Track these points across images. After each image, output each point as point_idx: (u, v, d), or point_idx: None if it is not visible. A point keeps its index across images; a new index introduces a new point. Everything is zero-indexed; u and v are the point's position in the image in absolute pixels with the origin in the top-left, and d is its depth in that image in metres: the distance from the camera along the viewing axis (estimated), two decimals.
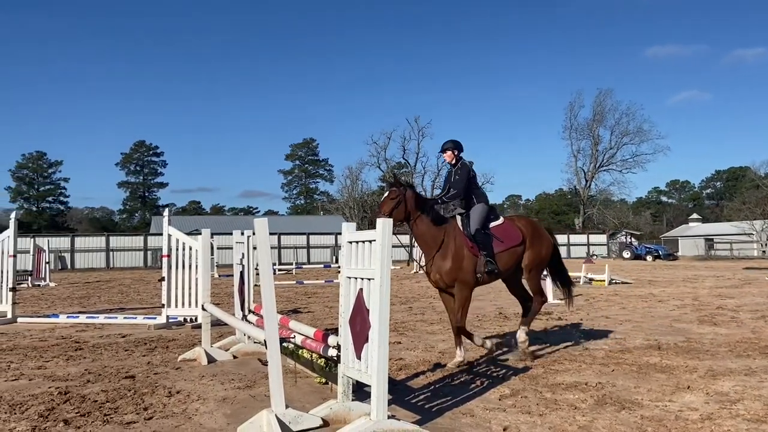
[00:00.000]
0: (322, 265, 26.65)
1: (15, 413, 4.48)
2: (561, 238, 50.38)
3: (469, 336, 6.28)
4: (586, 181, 67.59)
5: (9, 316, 10.17)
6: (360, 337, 4.00)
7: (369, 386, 3.97)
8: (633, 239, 49.87)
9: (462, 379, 5.55)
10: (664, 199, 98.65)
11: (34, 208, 74.76)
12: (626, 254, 44.88)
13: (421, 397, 4.94)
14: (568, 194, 77.28)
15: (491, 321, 9.60)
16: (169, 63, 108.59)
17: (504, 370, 5.89)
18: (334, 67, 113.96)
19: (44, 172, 77.90)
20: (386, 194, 6.06)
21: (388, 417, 3.78)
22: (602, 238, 53.75)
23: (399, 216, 5.93)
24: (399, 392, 4.99)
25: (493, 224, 6.35)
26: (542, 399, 4.86)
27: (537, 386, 5.26)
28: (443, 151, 6.54)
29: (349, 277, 4.26)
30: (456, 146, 6.49)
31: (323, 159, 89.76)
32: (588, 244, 51.31)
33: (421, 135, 63.71)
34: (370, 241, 4.00)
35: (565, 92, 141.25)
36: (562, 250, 48.22)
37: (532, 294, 6.76)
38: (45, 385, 5.44)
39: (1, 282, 10.44)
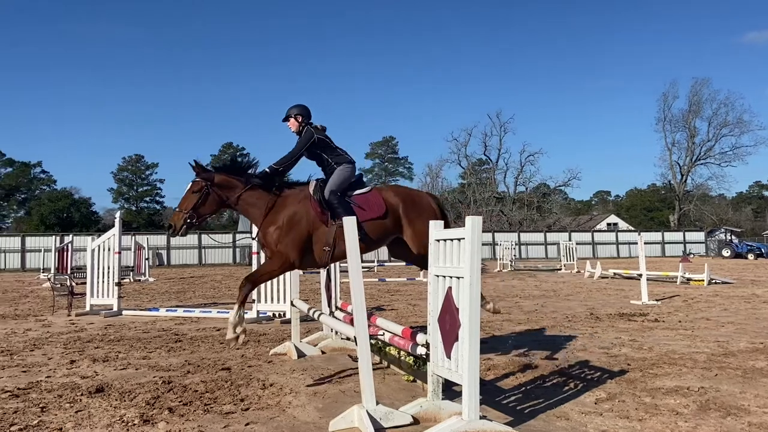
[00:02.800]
0: (404, 263, 26.75)
1: (125, 400, 4.77)
2: (655, 236, 48.23)
3: (241, 303, 5.31)
4: (682, 175, 64.31)
5: (115, 308, 10.89)
6: (449, 336, 3.97)
7: (458, 385, 3.93)
8: (733, 236, 46.92)
9: (554, 381, 5.40)
10: (766, 193, 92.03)
11: (134, 208, 79.39)
12: (726, 252, 42.27)
13: (512, 398, 4.85)
14: (661, 190, 73.75)
15: (582, 322, 9.29)
16: (250, 65, 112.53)
17: (599, 373, 5.68)
18: (414, 65, 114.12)
19: (142, 173, 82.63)
20: (188, 187, 5.31)
21: (480, 417, 3.74)
22: (700, 235, 50.90)
23: (210, 208, 5.29)
24: (488, 392, 4.92)
25: (357, 192, 5.62)
26: (641, 403, 4.65)
27: (635, 390, 5.03)
28: (286, 119, 5.82)
29: (438, 276, 4.23)
30: (301, 112, 5.77)
31: (403, 157, 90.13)
32: (684, 242, 48.74)
33: (503, 130, 62.85)
34: (459, 239, 3.96)
35: (656, 82, 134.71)
36: (656, 249, 46.29)
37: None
38: (150, 374, 5.77)
39: (108, 277, 11.20)
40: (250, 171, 5.52)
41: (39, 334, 8.54)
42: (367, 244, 5.51)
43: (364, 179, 6.20)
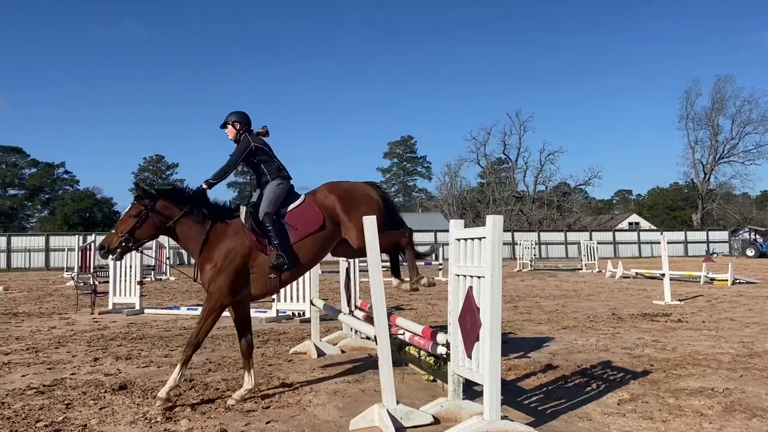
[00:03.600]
0: (422, 263, 26.72)
1: (147, 398, 4.83)
2: (677, 236, 47.56)
3: (183, 364, 4.74)
4: (705, 174, 63.34)
5: (137, 307, 11.02)
6: (470, 336, 3.95)
7: (479, 385, 3.92)
8: (757, 236, 46.03)
9: (576, 382, 5.35)
10: None
11: None
12: (750, 252, 41.52)
13: (533, 398, 4.81)
14: (684, 188, 72.71)
15: (604, 322, 9.19)
16: (268, 64, 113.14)
17: (621, 374, 5.61)
18: (432, 63, 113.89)
19: (162, 174, 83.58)
20: (127, 209, 5.04)
21: (501, 417, 3.71)
22: (723, 234, 50.08)
23: (147, 232, 4.93)
24: (509, 393, 4.89)
25: (290, 207, 5.16)
26: (665, 405, 4.58)
27: (658, 391, 4.97)
28: (224, 125, 5.45)
29: (458, 275, 4.21)
30: (239, 119, 5.41)
31: (421, 156, 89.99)
32: (707, 242, 47.98)
33: (522, 129, 62.42)
34: (480, 238, 3.94)
35: (679, 80, 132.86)
36: (678, 248, 45.64)
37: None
38: (171, 372, 5.82)
39: (130, 276, 11.34)
40: (189, 195, 5.13)
41: (63, 332, 8.68)
42: (308, 261, 5.16)
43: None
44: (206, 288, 4.87)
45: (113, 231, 4.98)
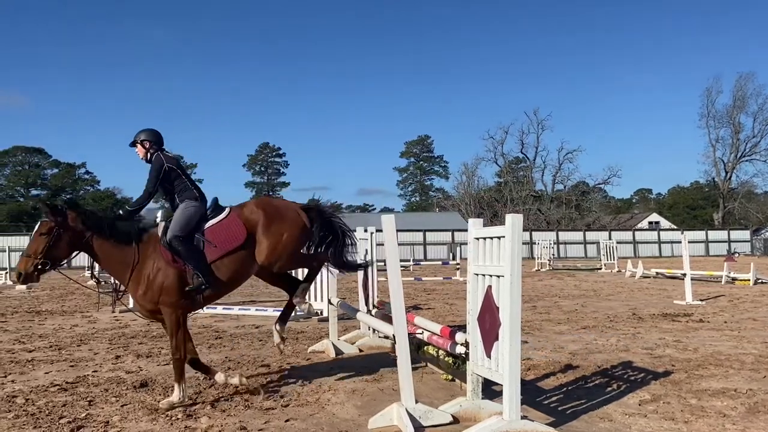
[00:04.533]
0: (440, 262, 26.66)
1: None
2: (698, 235, 46.92)
3: (206, 370, 5.02)
4: (726, 172, 62.45)
5: None
6: (489, 335, 3.94)
7: (497, 385, 3.90)
8: None
9: (596, 382, 5.30)
10: None
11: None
12: None
13: (553, 398, 4.78)
14: (705, 187, 71.75)
15: (624, 322, 9.10)
16: (285, 64, 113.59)
17: (643, 374, 5.56)
18: (448, 62, 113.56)
19: None
20: (36, 228, 4.72)
21: (521, 417, 3.69)
22: (745, 234, 49.31)
23: (63, 251, 4.69)
24: (529, 393, 4.86)
25: (210, 223, 4.97)
26: (687, 405, 4.53)
27: (680, 392, 4.91)
28: (133, 144, 5.19)
29: (477, 274, 4.20)
30: (149, 138, 5.13)
31: (438, 155, 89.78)
32: (729, 241, 47.28)
33: (540, 128, 62.02)
34: (499, 237, 3.92)
35: (699, 77, 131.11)
36: (699, 248, 45.03)
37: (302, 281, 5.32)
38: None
39: None
40: (104, 214, 5.04)
41: (85, 330, 8.80)
42: (231, 280, 4.97)
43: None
44: (154, 303, 4.76)
45: (24, 255, 4.65)
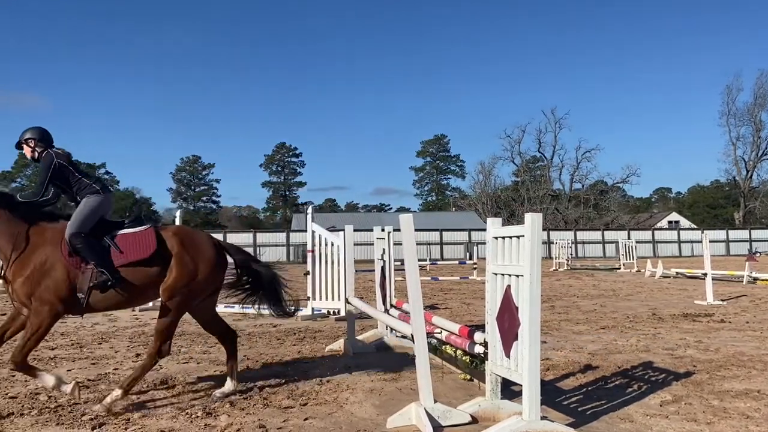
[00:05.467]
0: (456, 262, 26.60)
1: (187, 393, 4.92)
2: (719, 234, 46.31)
3: (33, 373, 4.61)
4: (747, 171, 61.59)
5: None
6: (508, 335, 3.92)
7: (516, 385, 3.88)
8: None
9: (617, 383, 5.25)
10: None
11: (191, 207, 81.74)
12: None
13: (573, 399, 4.74)
14: (725, 186, 70.78)
15: (644, 322, 9.00)
16: (300, 65, 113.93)
17: (663, 375, 5.49)
18: (464, 61, 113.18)
19: (199, 174, 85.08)
20: None
21: (541, 418, 3.67)
22: (766, 233, 48.59)
23: None
24: (548, 393, 4.82)
25: (123, 231, 4.76)
26: (709, 407, 4.47)
27: (702, 393, 4.85)
28: (18, 146, 4.98)
29: (496, 273, 4.17)
30: (35, 136, 4.92)
31: (454, 155, 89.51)
32: (750, 240, 46.60)
33: (558, 127, 61.64)
34: (518, 237, 3.90)
35: (719, 75, 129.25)
36: (720, 247, 44.42)
37: (156, 334, 4.79)
38: (211, 368, 5.93)
39: None
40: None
41: (106, 328, 8.90)
42: (128, 293, 4.67)
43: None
44: (26, 303, 4.50)
45: None
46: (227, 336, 5.21)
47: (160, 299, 4.77)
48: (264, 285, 5.31)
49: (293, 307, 5.67)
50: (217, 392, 4.84)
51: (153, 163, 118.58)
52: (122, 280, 4.57)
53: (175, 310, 4.73)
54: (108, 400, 4.44)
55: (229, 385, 4.93)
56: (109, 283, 4.51)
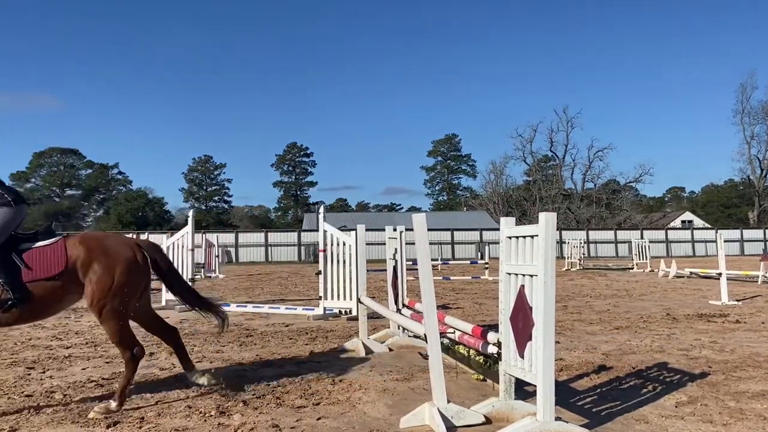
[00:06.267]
0: (468, 261, 26.54)
1: (200, 392, 4.93)
2: (733, 234, 45.86)
3: None
4: (762, 170, 60.95)
5: None
6: (522, 335, 3.89)
7: (530, 385, 3.85)
8: None
9: (631, 383, 5.20)
10: None
11: (203, 207, 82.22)
12: None
13: (587, 399, 4.71)
14: (740, 185, 70.11)
15: (658, 323, 8.93)
16: (310, 65, 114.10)
17: (678, 376, 5.44)
18: (474, 59, 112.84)
19: (211, 174, 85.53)
20: None
21: (555, 418, 3.65)
22: None
23: None
24: (562, 393, 4.78)
25: (33, 245, 4.46)
26: (725, 408, 4.42)
27: (718, 394, 4.80)
28: None
29: (509, 273, 4.15)
30: None
31: (466, 154, 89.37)
32: (765, 240, 46.16)
33: (570, 126, 61.33)
34: (532, 236, 3.88)
35: (734, 73, 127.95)
36: (734, 247, 43.98)
37: (117, 346, 4.67)
38: (224, 367, 5.95)
39: (182, 273, 11.62)
40: None
41: None
42: (34, 309, 4.41)
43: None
44: None
45: None
46: (169, 334, 5.09)
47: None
48: (175, 289, 5.15)
49: (219, 308, 5.42)
50: (193, 377, 4.87)
51: (165, 163, 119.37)
52: (27, 298, 4.32)
53: (114, 318, 4.52)
54: (100, 408, 4.37)
55: (202, 379, 4.89)
56: (10, 303, 4.27)
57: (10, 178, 74.33)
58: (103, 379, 5.51)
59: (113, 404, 4.43)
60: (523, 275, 3.94)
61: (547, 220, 3.71)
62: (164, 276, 5.02)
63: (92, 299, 4.45)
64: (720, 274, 12.02)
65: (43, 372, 5.86)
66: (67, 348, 7.20)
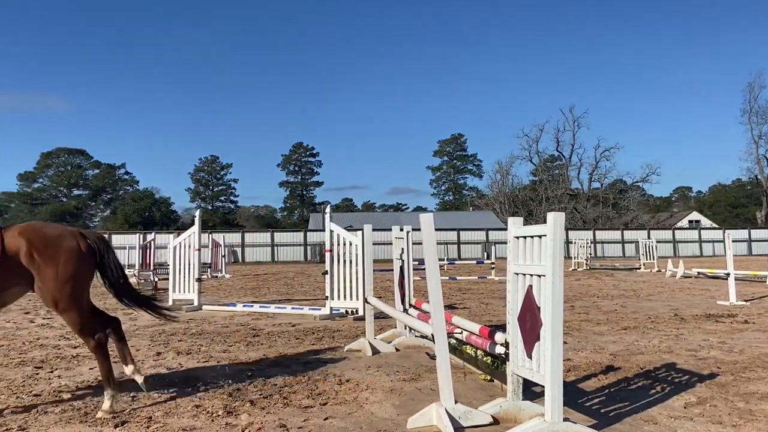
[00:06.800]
0: (474, 261, 26.49)
1: (208, 391, 4.94)
2: (741, 234, 45.60)
3: None
4: None
5: (195, 303, 11.32)
6: (530, 336, 3.88)
7: (537, 386, 3.83)
8: None
9: (640, 384, 5.18)
10: None
11: (209, 207, 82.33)
12: None
13: (595, 400, 4.69)
14: (747, 185, 69.74)
15: (666, 323, 8.89)
16: (320, 67, 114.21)
17: (687, 376, 5.41)
18: (481, 59, 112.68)
19: (217, 174, 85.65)
20: None
21: (563, 419, 3.63)
22: None
23: None
24: (569, 394, 4.75)
25: None
26: (734, 409, 4.39)
27: (727, 395, 4.76)
28: None
29: (517, 273, 4.14)
30: None
31: (472, 154, 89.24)
32: None
33: (576, 125, 61.15)
34: (540, 236, 3.86)
35: (741, 72, 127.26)
36: (742, 247, 43.72)
37: (79, 336, 4.65)
38: (231, 367, 5.95)
39: (189, 273, 11.66)
40: None
41: (127, 327, 8.95)
42: None
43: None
44: None
45: None
46: (113, 325, 4.97)
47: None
48: (113, 282, 5.02)
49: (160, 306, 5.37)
50: (126, 370, 4.80)
51: (172, 164, 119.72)
52: None
53: (69, 309, 4.46)
54: (106, 405, 4.40)
55: (129, 370, 4.80)
56: None
57: (18, 178, 74.81)
58: None
59: (106, 397, 4.44)
60: (531, 275, 3.92)
61: (555, 220, 3.69)
62: (105, 267, 4.87)
63: (42, 292, 4.38)
64: (728, 275, 11.95)
65: (51, 371, 5.88)
66: (75, 348, 7.22)
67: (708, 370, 5.64)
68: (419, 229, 4.25)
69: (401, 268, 7.15)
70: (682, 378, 5.38)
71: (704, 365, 5.85)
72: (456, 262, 31.16)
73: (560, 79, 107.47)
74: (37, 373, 5.79)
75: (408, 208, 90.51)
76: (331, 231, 10.16)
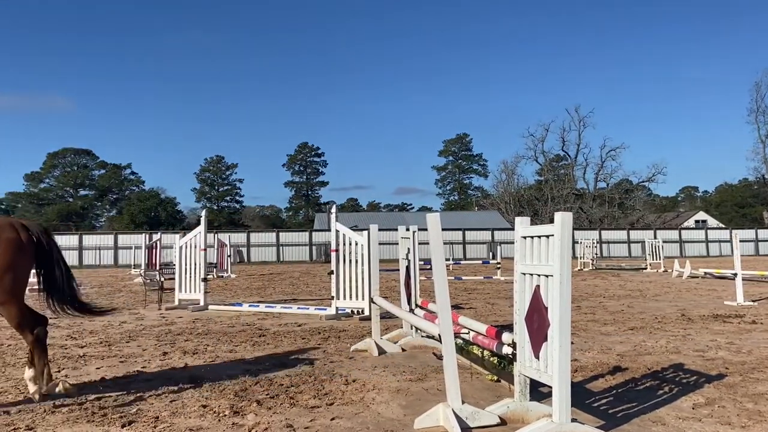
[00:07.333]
0: (479, 261, 26.45)
1: (215, 391, 4.95)
2: (748, 234, 45.36)
3: None
4: None
5: (201, 303, 11.33)
6: (538, 336, 3.86)
7: (544, 386, 3.82)
8: None
9: (647, 384, 5.15)
10: None
11: (215, 207, 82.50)
12: None
13: (603, 401, 4.67)
14: (754, 185, 69.36)
15: (673, 323, 8.84)
16: (322, 67, 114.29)
17: (695, 377, 5.38)
18: (486, 59, 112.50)
19: (222, 174, 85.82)
20: None
21: (571, 420, 3.61)
22: None
23: None
24: (577, 395, 4.73)
25: None
26: (743, 409, 4.36)
27: (735, 395, 4.74)
28: None
29: (524, 273, 4.12)
30: None
31: (477, 154, 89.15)
32: None
33: (582, 125, 60.97)
34: (548, 236, 3.85)
35: (748, 71, 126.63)
36: (749, 247, 43.51)
37: (18, 330, 4.62)
38: (238, 367, 5.96)
39: (194, 273, 11.67)
40: None
41: (133, 327, 9.01)
42: None
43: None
44: None
45: None
46: (41, 322, 4.84)
47: None
48: (55, 280, 4.91)
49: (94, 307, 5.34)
50: (27, 373, 4.71)
51: (177, 164, 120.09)
52: None
53: (6, 301, 4.40)
54: (31, 389, 4.48)
55: (29, 375, 4.70)
56: None
57: (25, 179, 75.14)
58: (117, 378, 5.54)
59: (31, 388, 4.54)
60: (539, 275, 3.91)
61: (563, 220, 3.68)
62: (46, 260, 4.76)
63: None
64: (735, 275, 11.89)
65: (58, 371, 5.89)
66: (82, 347, 7.24)
67: (716, 370, 5.61)
68: (425, 229, 4.24)
69: (407, 268, 7.15)
70: (689, 379, 5.35)
71: (712, 366, 5.82)
72: (461, 262, 31.11)
73: (566, 79, 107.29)
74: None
75: (413, 208, 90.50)
76: (337, 231, 10.16)
